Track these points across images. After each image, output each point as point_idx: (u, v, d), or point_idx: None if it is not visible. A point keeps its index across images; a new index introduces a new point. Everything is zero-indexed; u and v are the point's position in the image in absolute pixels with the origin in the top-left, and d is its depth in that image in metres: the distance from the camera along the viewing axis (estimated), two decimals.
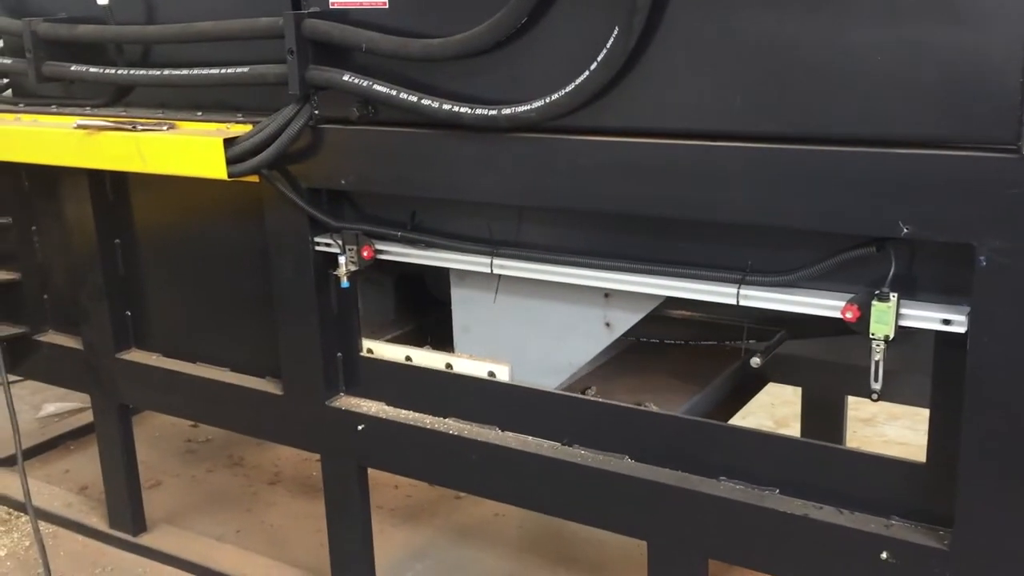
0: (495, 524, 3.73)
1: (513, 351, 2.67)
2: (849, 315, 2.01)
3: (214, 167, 2.67)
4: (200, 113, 2.89)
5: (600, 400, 2.56)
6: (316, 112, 2.58)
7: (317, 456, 4.41)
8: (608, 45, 2.05)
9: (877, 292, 1.98)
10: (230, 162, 2.65)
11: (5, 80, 3.59)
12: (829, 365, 3.02)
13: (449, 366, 2.73)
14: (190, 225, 3.17)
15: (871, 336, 1.99)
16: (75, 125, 2.91)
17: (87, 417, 4.90)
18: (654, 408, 2.55)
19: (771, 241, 2.16)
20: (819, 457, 2.24)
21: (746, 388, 3.08)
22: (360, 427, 2.80)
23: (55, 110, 3.22)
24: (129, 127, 2.84)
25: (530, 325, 2.65)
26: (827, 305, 2.07)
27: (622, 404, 2.49)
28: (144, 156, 2.81)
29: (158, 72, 2.83)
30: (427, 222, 2.63)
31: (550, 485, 2.51)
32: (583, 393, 2.69)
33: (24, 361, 3.67)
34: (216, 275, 3.14)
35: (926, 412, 2.14)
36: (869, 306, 1.98)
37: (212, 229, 3.11)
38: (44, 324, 3.66)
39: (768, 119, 1.98)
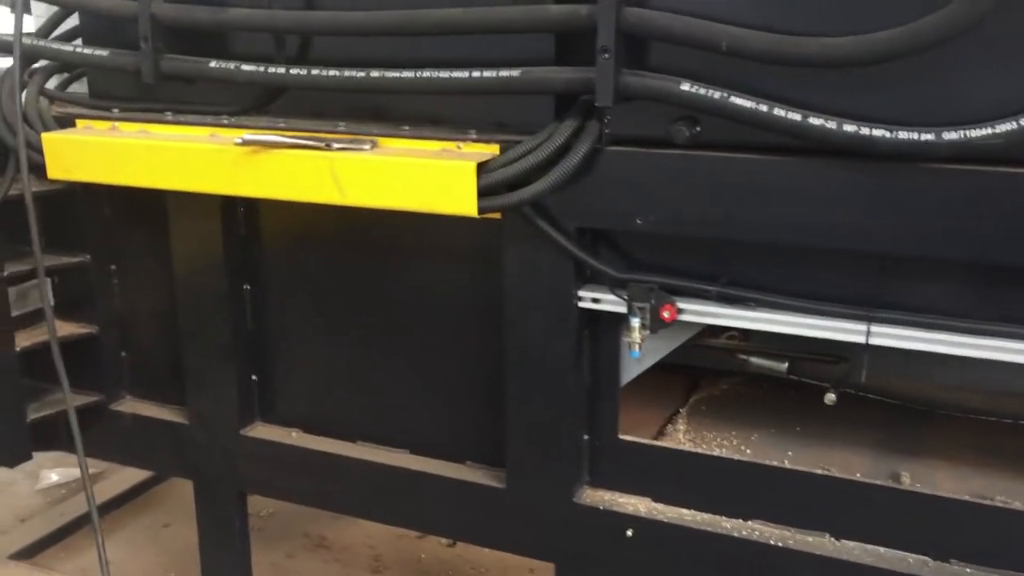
0: None
1: None
2: None
3: (459, 201, 2.03)
4: (408, 128, 2.22)
5: (969, 499, 2.03)
6: (607, 131, 1.98)
7: (414, 533, 3.77)
8: None
9: None
10: (480, 195, 2.03)
11: (64, 76, 2.80)
12: None
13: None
14: (355, 267, 2.48)
15: None
16: (240, 140, 2.20)
17: (104, 488, 4.08)
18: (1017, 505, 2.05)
19: None
20: None
21: None
22: (629, 532, 2.19)
23: (171, 119, 2.49)
24: (322, 145, 2.16)
25: None
26: None
27: (1004, 505, 1.98)
28: (341, 184, 2.14)
29: (360, 74, 2.14)
30: (739, 275, 2.06)
31: None
32: (896, 481, 2.18)
33: (95, 435, 2.83)
34: (392, 332, 2.46)
35: None
36: None
37: (388, 272, 2.43)
38: (121, 389, 2.88)
39: None
